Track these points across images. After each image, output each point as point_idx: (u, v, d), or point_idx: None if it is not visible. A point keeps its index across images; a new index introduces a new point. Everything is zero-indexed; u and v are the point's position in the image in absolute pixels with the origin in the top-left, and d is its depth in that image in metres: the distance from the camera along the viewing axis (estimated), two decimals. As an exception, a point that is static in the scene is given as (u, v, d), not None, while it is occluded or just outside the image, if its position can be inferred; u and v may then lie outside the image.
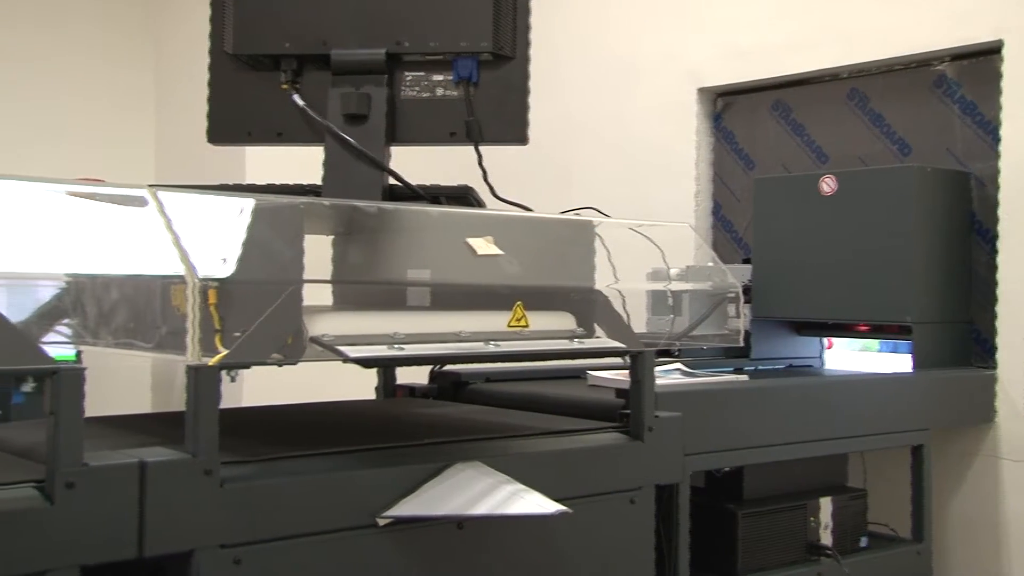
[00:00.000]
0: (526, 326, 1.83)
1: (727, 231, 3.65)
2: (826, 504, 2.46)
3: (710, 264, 2.82)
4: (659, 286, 2.49)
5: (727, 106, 3.67)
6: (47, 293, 1.84)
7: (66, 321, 1.87)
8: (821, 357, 3.10)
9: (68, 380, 1.34)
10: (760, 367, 2.88)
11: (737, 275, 2.75)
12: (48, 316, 1.84)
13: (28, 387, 2.70)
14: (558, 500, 1.68)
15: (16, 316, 1.42)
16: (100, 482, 1.35)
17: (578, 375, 2.55)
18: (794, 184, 3.00)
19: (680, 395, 2.14)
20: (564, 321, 1.92)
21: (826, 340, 3.10)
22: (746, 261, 3.13)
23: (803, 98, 3.42)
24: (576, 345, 1.89)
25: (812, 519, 2.43)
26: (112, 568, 1.37)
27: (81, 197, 1.61)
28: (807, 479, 2.50)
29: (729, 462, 2.28)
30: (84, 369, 1.35)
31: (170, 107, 5.18)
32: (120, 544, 1.36)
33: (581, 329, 1.92)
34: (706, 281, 2.55)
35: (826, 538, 2.45)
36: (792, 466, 2.43)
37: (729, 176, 3.65)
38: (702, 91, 3.65)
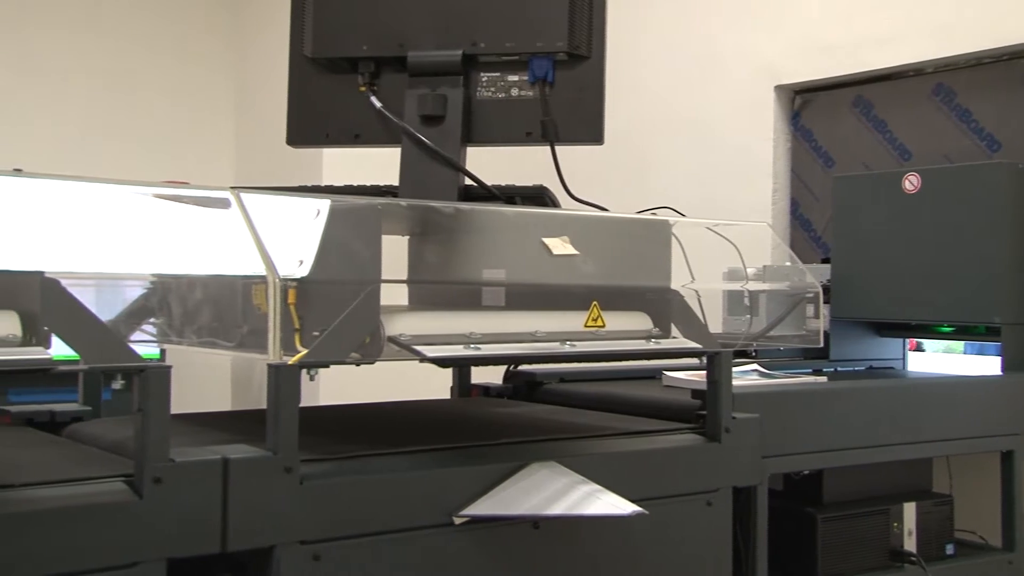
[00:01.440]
0: (602, 326, 1.82)
1: (805, 230, 3.59)
2: (910, 509, 2.40)
3: (788, 264, 2.78)
4: (736, 286, 2.46)
5: (805, 103, 3.61)
6: (133, 293, 1.90)
7: (151, 320, 1.92)
8: (904, 359, 3.03)
9: (155, 378, 1.38)
10: (840, 368, 2.83)
11: (816, 275, 2.70)
12: (134, 315, 1.89)
13: (117, 384, 2.78)
14: (634, 501, 1.68)
15: (105, 315, 1.47)
16: (185, 478, 1.39)
17: (653, 376, 2.54)
18: (876, 182, 2.94)
19: (758, 396, 2.11)
20: (640, 321, 1.92)
21: (908, 341, 3.03)
22: (825, 260, 3.07)
23: (885, 94, 3.35)
24: (652, 345, 1.89)
25: (895, 524, 2.37)
26: (196, 562, 1.41)
27: (166, 199, 1.65)
28: (890, 483, 2.44)
29: (808, 465, 2.25)
30: (170, 367, 1.39)
31: (250, 110, 5.29)
32: (204, 538, 1.40)
33: (657, 329, 1.91)
34: (784, 281, 2.51)
35: (910, 544, 2.40)
36: (874, 470, 2.38)
37: (807, 174, 3.59)
38: (780, 88, 3.60)
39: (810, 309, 2.36)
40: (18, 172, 1.42)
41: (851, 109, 3.44)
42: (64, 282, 1.34)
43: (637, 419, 2.08)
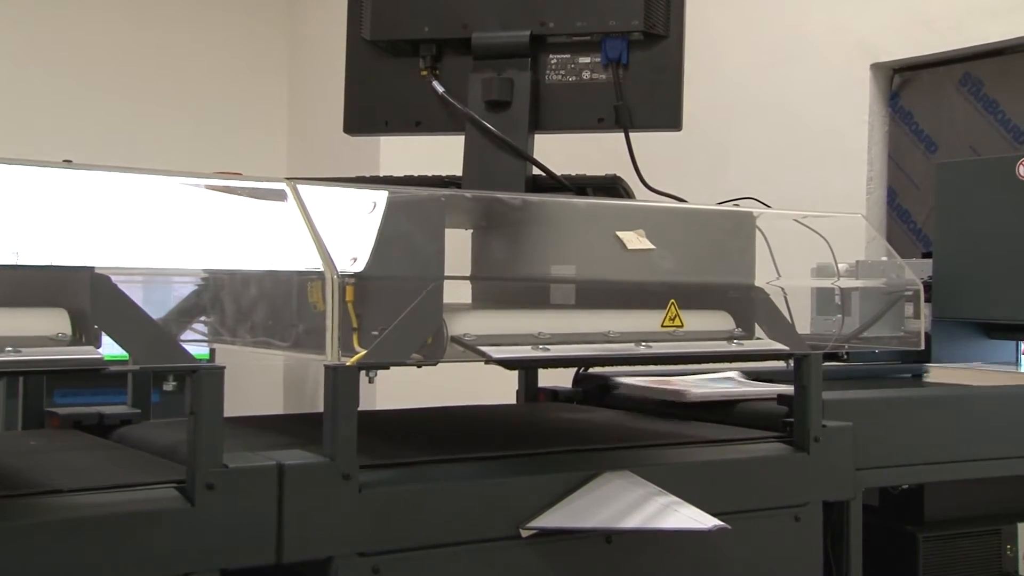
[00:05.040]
0: (680, 326, 1.82)
1: (904, 222, 3.53)
2: (1024, 530, 2.35)
3: (884, 258, 2.73)
4: (826, 283, 2.43)
5: (906, 82, 3.55)
6: (184, 290, 1.94)
7: (202, 318, 1.97)
8: (1017, 363, 2.96)
9: (208, 379, 1.41)
10: (943, 374, 2.77)
11: (916, 270, 2.65)
12: (185, 313, 1.94)
13: (169, 386, 2.85)
14: (714, 515, 1.67)
15: (155, 313, 1.50)
16: (239, 484, 1.42)
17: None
18: (985, 168, 2.87)
19: (852, 403, 2.08)
20: (722, 321, 1.91)
21: (1022, 344, 2.96)
22: (926, 255, 3.02)
23: (996, 71, 3.28)
24: (735, 347, 1.87)
25: (1008, 547, 2.32)
26: (250, 573, 1.44)
27: (219, 191, 1.69)
28: (1001, 501, 2.39)
29: (907, 479, 2.21)
30: (223, 368, 1.42)
31: (304, 97, 5.37)
32: (259, 548, 1.43)
33: (740, 330, 1.90)
34: (880, 277, 2.48)
35: None
36: (983, 486, 2.33)
37: (907, 160, 3.53)
38: (876, 66, 3.54)
39: (909, 308, 2.32)
40: (68, 164, 1.46)
41: (957, 88, 3.38)
42: (114, 278, 1.38)
43: (717, 426, 2.07)
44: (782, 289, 1.96)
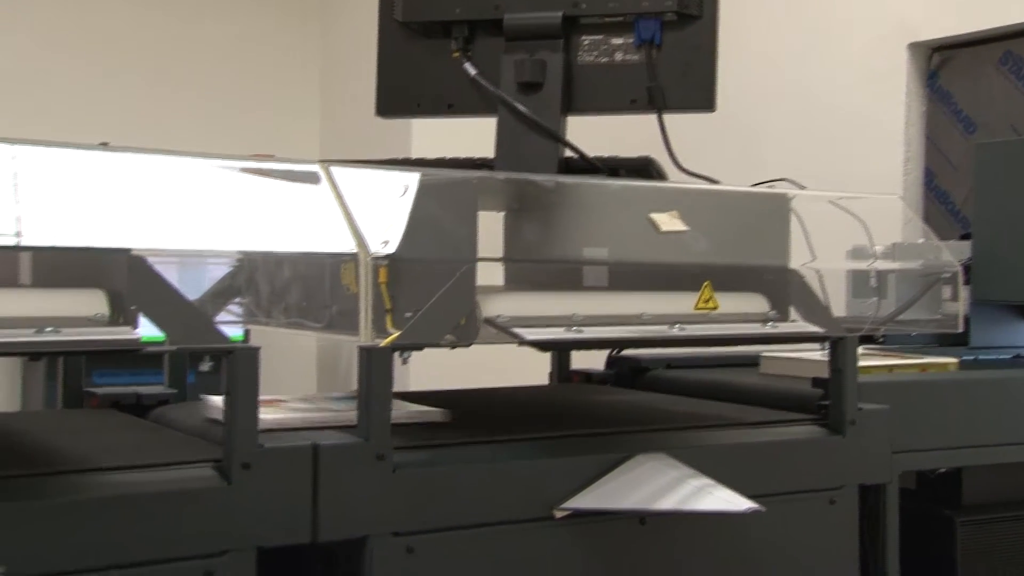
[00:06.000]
0: (714, 308, 1.82)
1: (942, 203, 3.50)
2: (1067, 515, 2.33)
3: (921, 240, 2.71)
4: (862, 265, 2.42)
5: (944, 62, 3.51)
6: (218, 271, 1.96)
7: (236, 299, 1.99)
8: (1056, 346, 2.93)
9: (244, 360, 1.43)
10: (981, 357, 2.75)
11: (954, 252, 2.63)
12: (220, 294, 1.96)
13: (205, 366, 2.89)
14: (749, 497, 1.67)
15: (190, 294, 1.52)
16: (275, 464, 1.44)
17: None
18: (1025, 148, 2.84)
19: (888, 386, 2.08)
20: (756, 303, 1.90)
21: (1062, 327, 2.93)
22: (964, 237, 2.98)
23: (1036, 49, 3.23)
24: (769, 329, 1.87)
25: (1047, 531, 2.30)
26: (286, 552, 1.46)
27: (252, 173, 1.70)
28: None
29: (945, 462, 2.20)
30: (258, 349, 1.44)
31: (336, 79, 5.38)
32: (294, 527, 1.45)
33: (775, 312, 1.90)
34: (917, 259, 2.46)
35: (1065, 554, 2.32)
36: (1021, 469, 2.31)
37: (945, 141, 3.49)
38: (914, 46, 3.51)
39: (947, 291, 2.30)
40: (104, 146, 1.48)
41: (997, 67, 3.34)
42: (151, 260, 1.40)
43: (751, 408, 2.07)
44: (817, 271, 1.95)
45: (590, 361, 2.55)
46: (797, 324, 1.91)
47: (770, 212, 1.97)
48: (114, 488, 1.36)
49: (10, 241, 1.33)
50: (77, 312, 1.36)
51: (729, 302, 1.85)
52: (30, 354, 2.12)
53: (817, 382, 2.03)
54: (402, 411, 1.75)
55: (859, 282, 2.44)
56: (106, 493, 1.35)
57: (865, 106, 3.56)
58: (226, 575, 1.39)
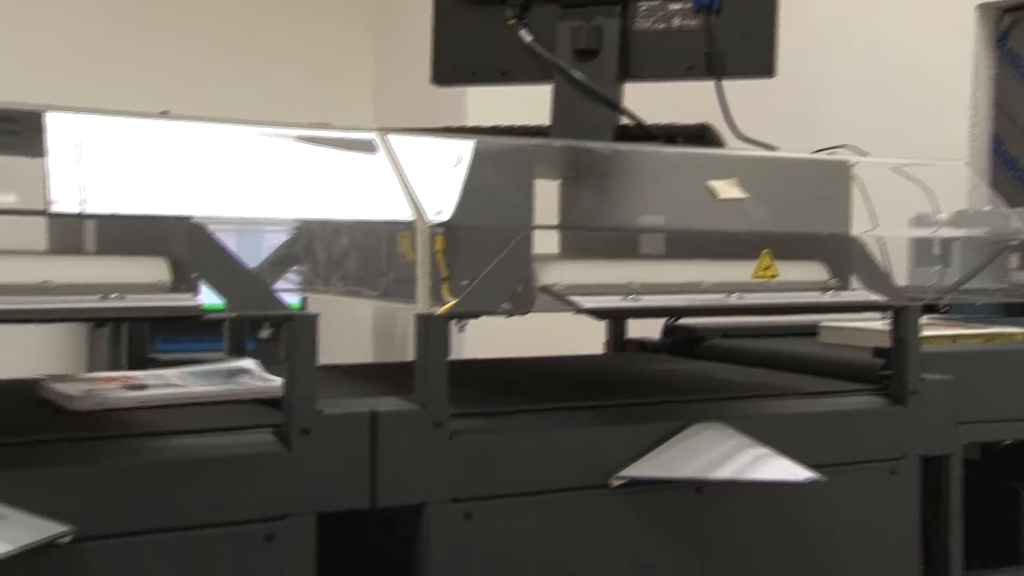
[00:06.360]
0: (774, 276, 1.80)
1: (1010, 169, 3.42)
2: None
3: (988, 207, 2.65)
4: (925, 233, 2.38)
5: (1015, 23, 3.42)
6: (276, 239, 1.98)
7: (294, 267, 2.01)
8: (1126, 316, 2.86)
9: (303, 327, 1.44)
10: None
11: (1022, 219, 2.58)
12: (278, 262, 1.98)
13: (265, 333, 2.92)
14: (808, 467, 1.66)
15: (249, 261, 1.54)
16: (334, 430, 1.46)
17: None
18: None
19: (952, 356, 2.05)
20: (816, 272, 1.88)
21: None
22: (1033, 204, 2.92)
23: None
24: (830, 298, 1.85)
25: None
26: (345, 517, 1.48)
27: (309, 141, 1.71)
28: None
29: (1011, 434, 2.16)
30: (317, 316, 1.46)
31: (390, 49, 5.39)
32: (353, 493, 1.47)
33: (835, 280, 1.88)
34: (983, 227, 2.41)
35: None
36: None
37: (1014, 105, 3.41)
38: (983, 7, 3.42)
39: (1015, 259, 2.26)
40: (165, 115, 1.50)
41: (1067, 30, 3.24)
42: (211, 227, 1.42)
43: (810, 378, 2.05)
44: (879, 239, 1.93)
45: (645, 330, 2.55)
46: (858, 293, 1.89)
47: (831, 179, 1.94)
48: (177, 452, 1.39)
49: (75, 209, 1.36)
50: (140, 279, 1.38)
51: (788, 270, 1.83)
52: (96, 319, 2.17)
53: (879, 352, 2.00)
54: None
55: (923, 250, 2.40)
56: (170, 457, 1.38)
57: (931, 69, 3.48)
58: (287, 539, 1.41)
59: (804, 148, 2.10)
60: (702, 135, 2.05)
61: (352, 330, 5.06)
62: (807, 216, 1.94)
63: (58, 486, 1.30)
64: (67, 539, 1.24)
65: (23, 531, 1.21)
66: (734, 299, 1.76)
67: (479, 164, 1.65)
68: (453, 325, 1.57)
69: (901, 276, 2.17)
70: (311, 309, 1.51)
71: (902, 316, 1.91)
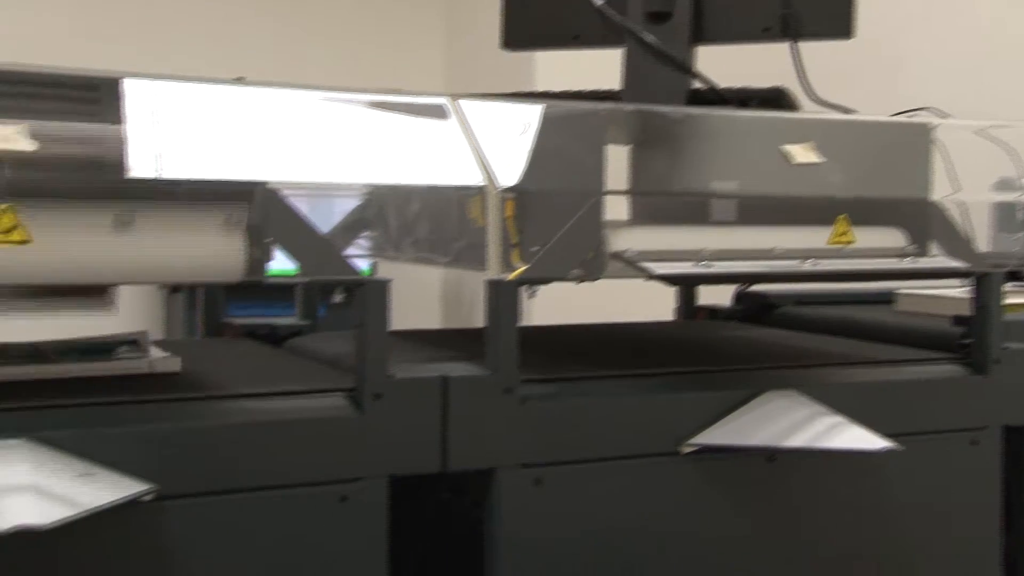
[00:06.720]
0: (850, 242, 1.77)
1: (1097, 133, 3.31)
2: None
3: (1077, 172, 2.57)
4: (1009, 197, 2.31)
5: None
6: (347, 204, 1.99)
7: (365, 233, 2.02)
8: None
9: (375, 292, 1.46)
10: None
11: (1111, 184, 2.49)
12: (349, 228, 1.99)
13: (338, 297, 2.96)
14: (884, 436, 1.64)
15: (321, 227, 1.55)
16: (405, 394, 1.47)
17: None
18: None
19: (1035, 324, 1.99)
20: (894, 238, 1.85)
21: None
22: (1123, 168, 2.82)
23: None
24: (908, 264, 1.81)
25: None
26: (416, 480, 1.50)
27: (380, 107, 1.72)
28: None
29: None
30: (389, 281, 1.47)
31: (460, 13, 5.38)
32: (424, 457, 1.48)
33: (914, 246, 1.84)
34: (1071, 191, 2.34)
35: None
36: None
37: (1103, 66, 3.30)
38: (1070, -36, 3.30)
39: (1103, 225, 2.18)
40: (240, 81, 1.52)
41: None
42: (284, 192, 1.43)
43: (886, 346, 2.02)
44: (960, 204, 1.88)
45: (715, 297, 2.52)
46: (938, 259, 1.85)
47: (910, 142, 1.90)
48: (254, 414, 1.42)
49: (150, 174, 1.38)
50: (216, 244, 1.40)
51: (865, 236, 1.79)
52: (172, 285, 2.21)
53: (959, 320, 1.96)
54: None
55: (1006, 215, 2.33)
56: (245, 419, 1.41)
57: (1016, 27, 3.37)
58: (360, 501, 1.43)
59: (884, 112, 2.05)
60: (777, 99, 2.01)
61: (420, 297, 5.09)
62: (886, 181, 1.89)
63: (142, 445, 1.33)
64: (149, 497, 1.27)
65: (109, 488, 1.24)
66: (808, 265, 1.74)
67: (550, 129, 1.64)
68: (523, 291, 1.57)
69: (983, 242, 2.11)
70: (380, 275, 1.52)
71: (984, 283, 1.87)
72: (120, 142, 1.36)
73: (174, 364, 1.56)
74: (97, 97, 1.53)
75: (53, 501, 1.17)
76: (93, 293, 1.52)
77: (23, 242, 1.26)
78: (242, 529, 1.38)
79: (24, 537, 1.11)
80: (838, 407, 1.69)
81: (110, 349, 1.59)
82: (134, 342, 1.60)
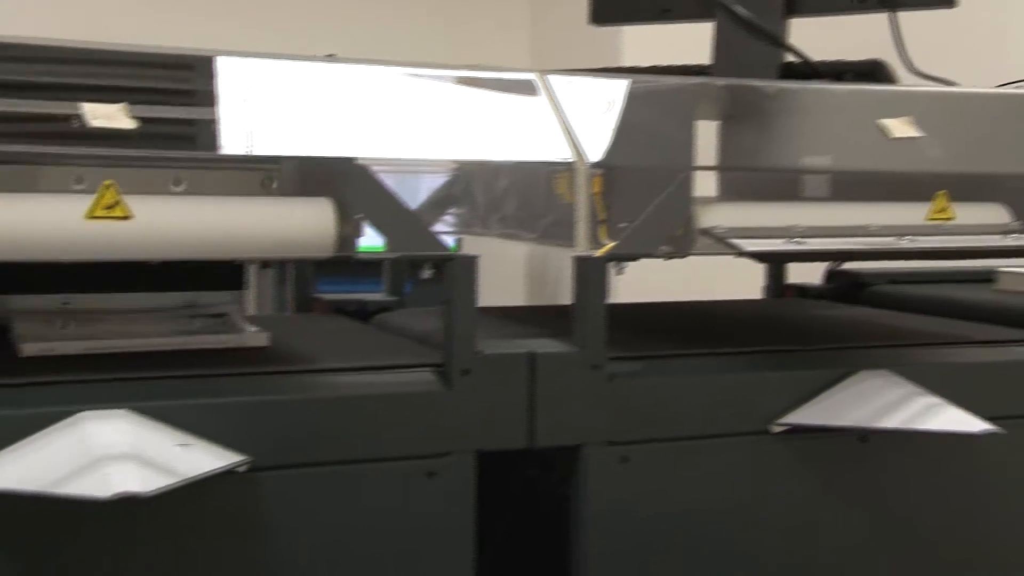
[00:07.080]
0: (950, 219, 1.72)
1: None
2: None
3: None
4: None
5: None
6: (434, 180, 2.01)
7: (452, 208, 2.03)
8: None
9: (463, 267, 1.46)
10: None
11: None
12: (436, 204, 2.01)
13: (427, 273, 2.99)
14: (984, 419, 1.59)
15: (409, 203, 1.56)
16: (493, 370, 1.47)
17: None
18: None
19: None
20: (996, 214, 1.78)
21: None
22: None
23: None
24: (1012, 242, 1.76)
25: None
26: (503, 456, 1.50)
27: (468, 83, 1.72)
28: None
29: None
30: (477, 257, 1.47)
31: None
32: (512, 433, 1.48)
33: (1018, 223, 1.78)
34: None
35: None
36: None
37: None
38: None
39: None
40: (331, 58, 1.53)
41: None
42: (373, 168, 1.44)
43: (985, 326, 1.96)
44: (1068, 179, 1.82)
45: (806, 275, 2.48)
46: (1043, 237, 1.79)
47: (1014, 115, 1.84)
48: (345, 388, 1.44)
49: (241, 151, 1.40)
50: (308, 220, 1.42)
51: (965, 212, 1.74)
52: (262, 260, 2.25)
53: (1062, 300, 1.90)
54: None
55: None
56: (335, 393, 1.43)
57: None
58: (447, 476, 1.44)
59: (987, 85, 1.98)
60: (873, 72, 1.96)
61: (505, 274, 5.10)
62: (988, 155, 1.83)
63: (236, 417, 1.36)
64: (244, 468, 1.30)
65: (207, 458, 1.27)
66: (905, 243, 1.69)
67: (639, 104, 1.62)
68: (611, 268, 1.56)
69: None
70: (466, 251, 1.52)
71: (1091, 262, 1.81)
72: (214, 120, 1.38)
73: (263, 339, 1.59)
74: (191, 76, 1.55)
75: (154, 469, 1.20)
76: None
77: (124, 217, 1.30)
78: (331, 502, 1.40)
79: (125, 504, 1.15)
80: (935, 388, 1.64)
81: (203, 322, 1.62)
82: (226, 315, 1.63)
